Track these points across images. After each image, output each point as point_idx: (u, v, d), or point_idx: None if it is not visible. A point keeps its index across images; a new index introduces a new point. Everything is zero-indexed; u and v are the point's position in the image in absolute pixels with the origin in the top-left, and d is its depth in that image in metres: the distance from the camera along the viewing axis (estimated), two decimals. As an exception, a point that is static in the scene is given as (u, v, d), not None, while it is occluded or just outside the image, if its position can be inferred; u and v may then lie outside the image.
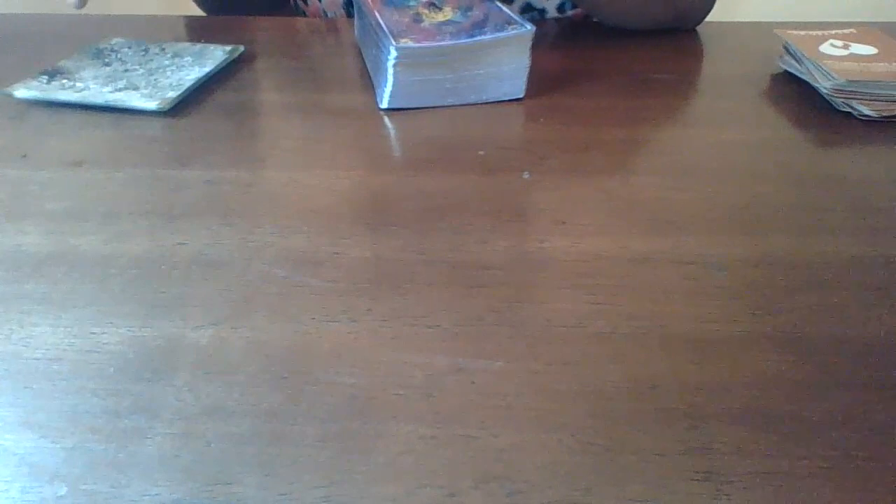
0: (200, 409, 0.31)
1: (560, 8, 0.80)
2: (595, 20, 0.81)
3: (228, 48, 0.65)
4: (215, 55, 0.63)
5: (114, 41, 0.66)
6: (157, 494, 0.27)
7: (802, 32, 0.65)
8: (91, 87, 0.58)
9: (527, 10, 0.79)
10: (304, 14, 0.86)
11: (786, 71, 0.63)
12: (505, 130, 0.55)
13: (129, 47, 0.65)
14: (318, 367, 0.33)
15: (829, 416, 0.30)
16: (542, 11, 0.80)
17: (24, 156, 0.50)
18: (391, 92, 0.56)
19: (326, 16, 0.83)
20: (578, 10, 0.82)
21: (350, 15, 0.80)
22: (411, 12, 0.61)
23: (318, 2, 0.82)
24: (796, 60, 0.62)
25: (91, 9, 0.76)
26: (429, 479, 0.28)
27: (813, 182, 0.48)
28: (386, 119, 0.56)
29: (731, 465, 0.28)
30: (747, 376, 0.32)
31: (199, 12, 0.86)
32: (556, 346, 0.34)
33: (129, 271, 0.39)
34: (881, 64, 0.58)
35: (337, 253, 0.40)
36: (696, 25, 0.74)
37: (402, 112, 0.56)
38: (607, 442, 0.29)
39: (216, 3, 0.85)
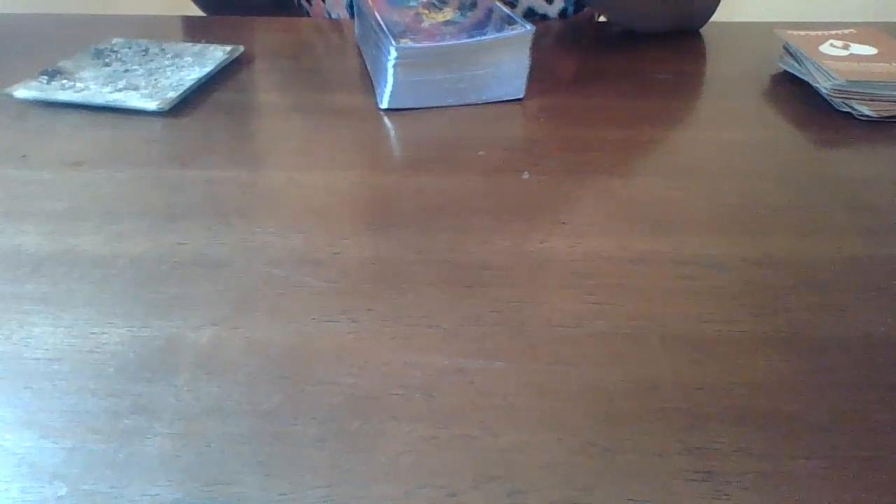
0: (200, 409, 0.31)
1: (562, 13, 0.80)
2: (600, 21, 0.81)
3: (228, 48, 0.65)
4: (215, 55, 0.63)
5: (114, 41, 0.66)
6: (156, 494, 0.27)
7: (802, 32, 0.65)
8: (91, 87, 0.58)
9: (529, 16, 0.79)
10: (307, 15, 0.85)
11: (786, 71, 0.63)
12: (505, 130, 0.55)
13: (129, 47, 0.65)
14: (318, 367, 0.33)
15: (829, 416, 0.30)
16: (544, 17, 0.80)
17: (24, 156, 0.50)
18: (391, 92, 0.56)
19: (330, 17, 0.83)
20: (580, 15, 0.82)
21: (353, 16, 0.80)
22: (411, 12, 0.61)
23: (321, 2, 0.82)
24: (796, 60, 0.62)
25: (91, 9, 0.76)
26: (429, 479, 0.28)
27: (813, 182, 0.48)
28: (386, 119, 0.56)
29: (731, 465, 0.28)
30: (747, 376, 0.32)
31: (199, 12, 0.86)
32: (556, 346, 0.34)
33: (129, 271, 0.39)
34: (881, 64, 0.58)
35: (337, 253, 0.40)
36: (701, 26, 0.74)
37: (402, 112, 0.56)
38: (607, 442, 0.29)
39: (217, 3, 0.85)
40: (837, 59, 0.59)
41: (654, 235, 0.42)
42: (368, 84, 0.61)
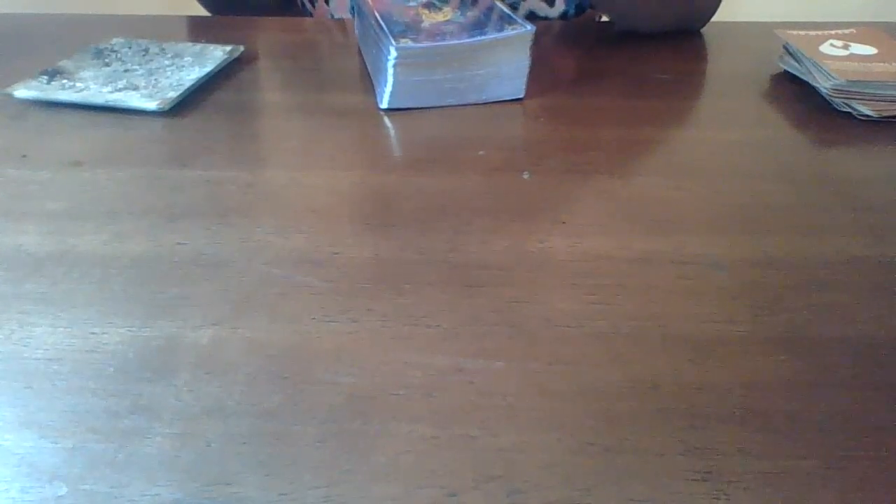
0: (200, 409, 0.31)
1: (563, 16, 0.80)
2: (601, 21, 0.81)
3: (228, 48, 0.65)
4: (215, 55, 0.63)
5: (114, 41, 0.66)
6: (157, 494, 0.27)
7: (802, 32, 0.65)
8: (91, 87, 0.58)
9: (530, 19, 0.79)
10: (310, 16, 0.85)
11: (786, 71, 0.63)
12: (505, 130, 0.55)
13: (129, 47, 0.65)
14: (318, 367, 0.33)
15: (829, 416, 0.30)
16: (546, 20, 0.80)
17: (24, 156, 0.50)
18: (391, 92, 0.56)
19: (333, 18, 0.83)
20: (581, 18, 0.82)
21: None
22: (411, 12, 0.61)
23: (325, 4, 0.82)
24: (796, 60, 0.62)
25: (91, 9, 0.76)
26: (429, 479, 0.28)
27: (813, 182, 0.48)
28: (386, 119, 0.56)
29: (731, 465, 0.28)
30: (747, 376, 0.32)
31: (199, 12, 0.86)
32: (556, 346, 0.34)
33: (129, 271, 0.39)
34: (881, 64, 0.58)
35: (337, 253, 0.40)
36: (702, 27, 0.74)
37: (402, 112, 0.56)
38: (607, 442, 0.29)
39: (221, 3, 0.85)
40: (837, 59, 0.59)
41: (654, 235, 0.42)
42: (368, 84, 0.61)
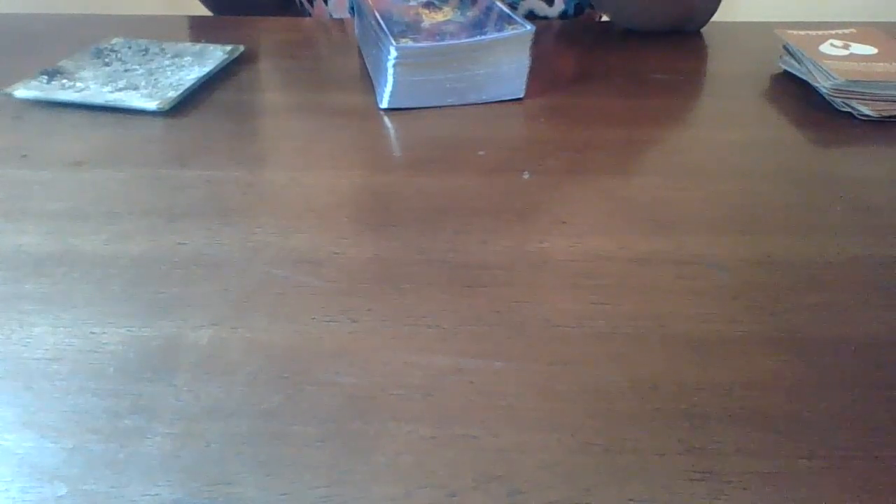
0: (200, 409, 0.31)
1: (562, 16, 0.80)
2: (602, 21, 0.81)
3: (228, 48, 0.65)
4: (215, 55, 0.63)
5: (114, 41, 0.66)
6: (157, 494, 0.27)
7: (802, 32, 0.65)
8: (91, 87, 0.58)
9: (529, 18, 0.79)
10: (309, 16, 0.85)
11: (786, 71, 0.63)
12: (505, 130, 0.55)
13: (129, 47, 0.65)
14: (318, 367, 0.33)
15: (829, 416, 0.30)
16: (545, 19, 0.80)
17: (24, 156, 0.50)
18: (391, 92, 0.56)
19: (332, 18, 0.83)
20: (581, 18, 0.82)
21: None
22: (411, 12, 0.61)
23: (323, 4, 0.82)
24: (796, 60, 0.62)
25: (91, 9, 0.76)
26: (429, 479, 0.28)
27: (813, 182, 0.48)
28: (386, 119, 0.56)
29: (731, 465, 0.28)
30: (747, 376, 0.32)
31: (199, 12, 0.86)
32: (556, 346, 0.34)
33: (129, 271, 0.39)
34: (881, 64, 0.58)
35: (337, 253, 0.40)
36: (702, 26, 0.74)
37: (402, 112, 0.56)
38: (607, 442, 0.29)
39: (223, 3, 0.85)
40: (837, 59, 0.59)
41: (654, 235, 0.42)
42: (368, 84, 0.61)
